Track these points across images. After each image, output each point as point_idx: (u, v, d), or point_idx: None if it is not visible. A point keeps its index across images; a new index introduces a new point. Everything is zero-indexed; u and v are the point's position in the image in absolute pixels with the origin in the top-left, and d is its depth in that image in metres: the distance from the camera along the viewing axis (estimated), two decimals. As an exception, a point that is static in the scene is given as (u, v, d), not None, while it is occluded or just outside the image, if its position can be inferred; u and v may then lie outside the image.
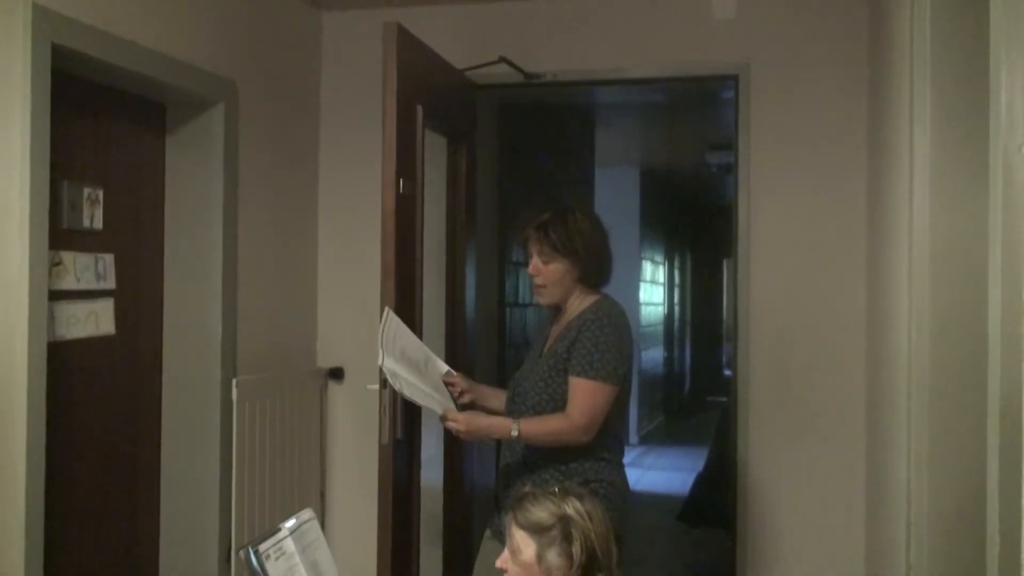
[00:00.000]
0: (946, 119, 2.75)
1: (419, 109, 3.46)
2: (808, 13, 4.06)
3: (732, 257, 4.26)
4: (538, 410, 2.91)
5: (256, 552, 2.22)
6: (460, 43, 4.16)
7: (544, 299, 3.04)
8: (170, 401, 3.65)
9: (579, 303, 2.98)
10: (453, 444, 3.92)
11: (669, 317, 13.07)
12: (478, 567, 3.05)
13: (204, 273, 3.63)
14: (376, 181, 3.32)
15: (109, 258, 3.34)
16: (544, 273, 2.97)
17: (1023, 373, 1.73)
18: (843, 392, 4.01)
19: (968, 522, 2.57)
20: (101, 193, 3.28)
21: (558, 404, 2.88)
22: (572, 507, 2.17)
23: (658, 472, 9.05)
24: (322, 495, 4.40)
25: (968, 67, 2.64)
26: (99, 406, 3.32)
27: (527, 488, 2.28)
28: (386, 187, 3.29)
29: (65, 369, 3.07)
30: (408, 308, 3.32)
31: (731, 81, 4.21)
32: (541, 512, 2.17)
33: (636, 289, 10.59)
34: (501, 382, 3.91)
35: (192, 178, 3.65)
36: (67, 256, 3.11)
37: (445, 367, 3.22)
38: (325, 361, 4.42)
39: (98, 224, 3.27)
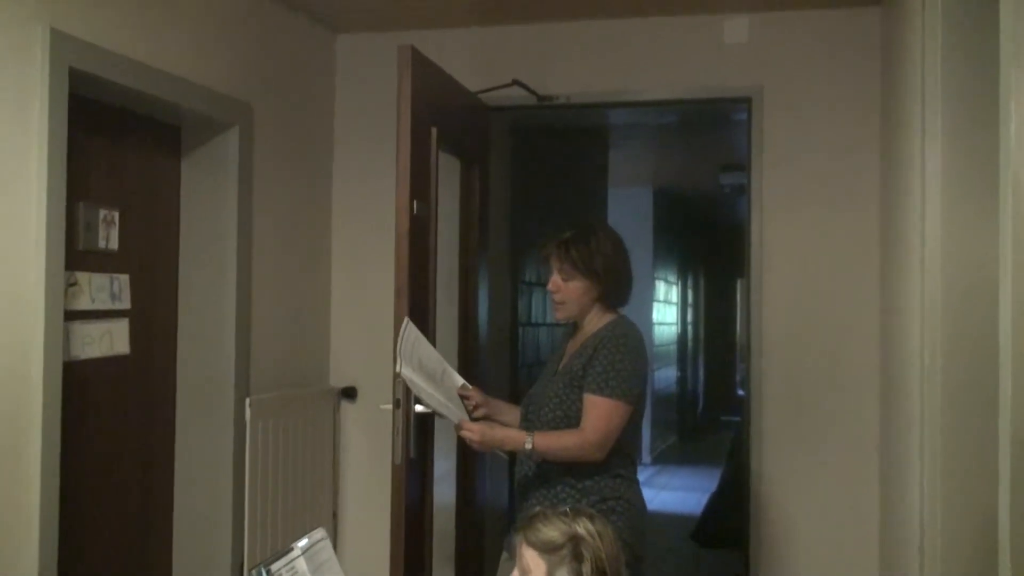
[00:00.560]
0: (958, 139, 2.76)
1: (433, 131, 3.47)
2: (820, 36, 4.08)
3: (745, 277, 4.26)
4: (552, 426, 2.92)
5: (268, 572, 2.22)
6: (473, 65, 4.19)
7: (562, 315, 3.05)
8: (184, 420, 3.67)
9: (596, 321, 2.99)
10: (466, 463, 3.93)
11: (682, 337, 13.04)
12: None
13: (218, 293, 3.65)
14: (390, 202, 3.34)
15: (124, 279, 3.36)
16: (563, 290, 2.99)
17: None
18: (856, 413, 4.00)
19: (980, 548, 2.57)
20: (117, 214, 3.31)
21: (572, 421, 2.88)
22: (583, 527, 2.17)
23: (671, 492, 9.01)
24: (335, 514, 4.40)
25: (980, 88, 2.65)
26: (113, 425, 3.34)
27: (538, 507, 2.28)
28: (400, 208, 3.30)
29: (80, 388, 3.09)
30: (421, 327, 3.33)
31: (744, 103, 4.23)
32: (552, 531, 2.17)
33: (649, 309, 10.57)
34: (514, 400, 3.92)
35: (207, 200, 3.68)
36: (83, 276, 3.14)
37: (461, 380, 3.22)
38: (338, 380, 4.43)
39: (114, 245, 3.30)
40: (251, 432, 3.67)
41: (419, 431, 3.34)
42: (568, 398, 2.91)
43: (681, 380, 12.72)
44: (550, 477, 2.92)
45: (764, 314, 4.12)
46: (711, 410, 13.67)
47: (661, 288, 11.59)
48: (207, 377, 3.66)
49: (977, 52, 2.65)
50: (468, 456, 3.89)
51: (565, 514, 2.20)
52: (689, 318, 13.57)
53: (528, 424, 3.01)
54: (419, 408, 3.22)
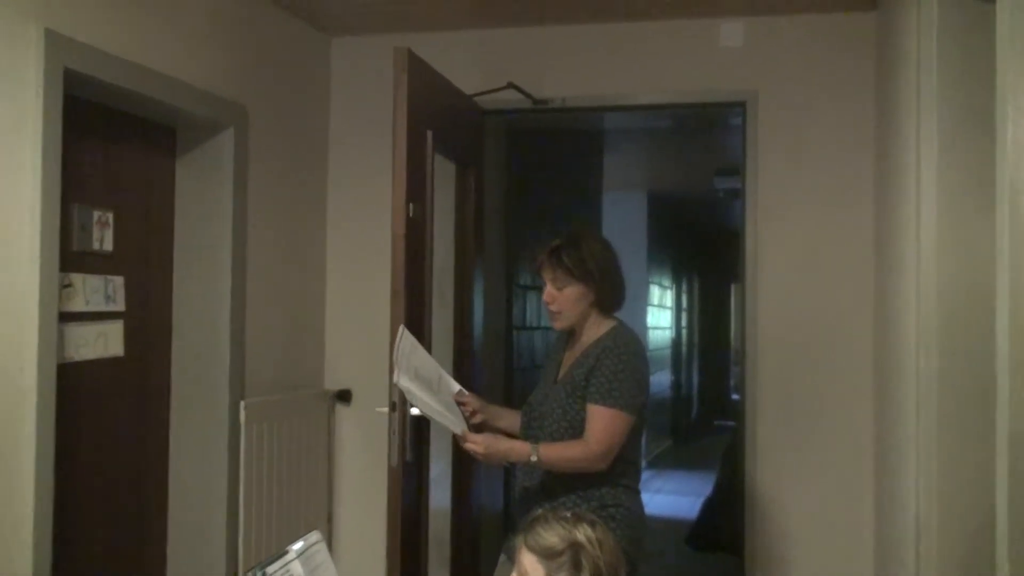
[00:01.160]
0: (953, 142, 2.77)
1: (429, 134, 3.47)
2: (815, 40, 4.09)
3: (740, 281, 4.26)
4: (556, 436, 2.91)
5: (264, 574, 2.21)
6: (469, 68, 4.19)
7: (559, 325, 3.04)
8: (178, 422, 3.66)
9: (595, 329, 2.99)
10: (462, 467, 3.92)
11: (677, 341, 13.04)
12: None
13: (213, 295, 3.65)
14: (385, 205, 3.34)
15: (119, 280, 3.35)
16: (559, 299, 2.98)
17: (1031, 398, 1.73)
18: (851, 416, 4.00)
19: (976, 550, 2.57)
20: (111, 215, 3.30)
21: (576, 431, 2.88)
22: (583, 533, 2.15)
23: (666, 496, 9.01)
24: (329, 517, 4.39)
25: (975, 91, 2.65)
26: (108, 427, 3.33)
27: (539, 511, 2.27)
28: (396, 211, 3.30)
29: (74, 390, 3.08)
30: (417, 330, 3.32)
31: (739, 107, 4.23)
32: (552, 537, 2.16)
33: (643, 313, 10.57)
34: (509, 404, 3.90)
35: (202, 201, 3.67)
36: (77, 278, 3.13)
37: (457, 386, 3.22)
38: (333, 383, 4.43)
39: (108, 246, 3.29)
40: (245, 435, 3.66)
41: (416, 434, 3.34)
42: (571, 408, 2.91)
43: (675, 384, 12.72)
44: (553, 486, 2.91)
45: (759, 318, 4.13)
46: (705, 414, 13.67)
47: (655, 292, 11.59)
48: (201, 379, 3.65)
49: (972, 55, 2.65)
50: (463, 459, 3.88)
51: (566, 519, 2.19)
52: (683, 322, 13.57)
53: (530, 434, 3.01)
54: (415, 412, 3.22)
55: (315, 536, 2.42)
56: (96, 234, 3.23)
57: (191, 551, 3.64)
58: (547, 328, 6.22)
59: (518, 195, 5.43)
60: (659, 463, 10.86)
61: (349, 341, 4.44)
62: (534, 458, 2.85)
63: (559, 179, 6.61)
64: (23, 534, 2.68)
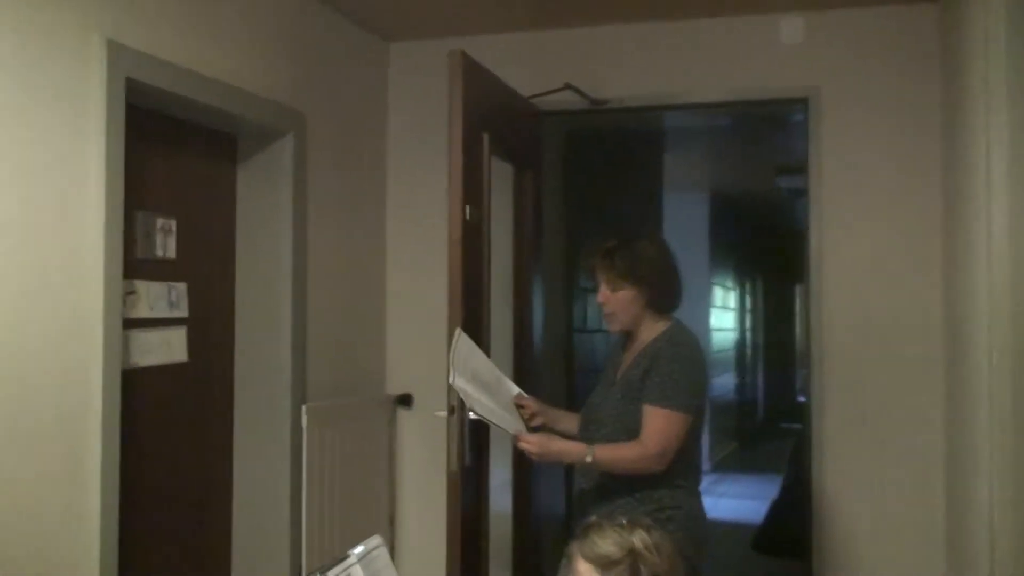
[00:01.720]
0: (1024, 138, 2.69)
1: (485, 137, 3.47)
2: (878, 36, 4.00)
3: (804, 282, 4.19)
4: (612, 438, 2.88)
5: (324, 578, 2.22)
6: (525, 70, 4.18)
7: (614, 326, 3.02)
8: (241, 427, 3.70)
9: (651, 330, 2.96)
10: (522, 471, 3.90)
11: (741, 343, 12.90)
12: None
13: (274, 300, 3.68)
14: (444, 208, 3.34)
15: (182, 287, 3.39)
16: (612, 301, 2.96)
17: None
18: (921, 418, 3.91)
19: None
20: (174, 223, 3.34)
21: (632, 432, 2.85)
22: (640, 540, 2.11)
23: (731, 500, 8.91)
24: (391, 521, 4.40)
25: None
26: (172, 432, 3.37)
27: (593, 518, 2.24)
28: (453, 214, 3.30)
29: (139, 396, 3.12)
30: (475, 334, 3.32)
31: (801, 104, 4.16)
32: (608, 545, 2.11)
33: (707, 315, 10.47)
34: (571, 408, 3.88)
35: (262, 207, 3.70)
36: (141, 285, 3.17)
37: (516, 389, 3.20)
38: (394, 388, 4.44)
39: (171, 253, 3.33)
40: (308, 439, 3.68)
41: (474, 439, 3.33)
42: (627, 409, 2.88)
43: (740, 387, 12.59)
44: (609, 488, 2.89)
45: (824, 319, 4.05)
46: (771, 417, 13.51)
47: (719, 294, 11.48)
48: (264, 384, 3.68)
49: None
50: (524, 464, 3.86)
51: (621, 526, 2.15)
52: (748, 324, 13.43)
53: (588, 434, 2.99)
54: (473, 416, 3.21)
55: (376, 540, 2.42)
56: (159, 241, 3.27)
57: (255, 553, 3.67)
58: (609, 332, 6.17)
59: (578, 197, 5.40)
60: (724, 466, 10.75)
61: (410, 345, 4.45)
62: (589, 459, 2.83)
63: (619, 180, 6.55)
64: (90, 537, 2.72)
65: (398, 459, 4.45)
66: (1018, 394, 2.69)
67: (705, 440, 10.36)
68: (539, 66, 4.26)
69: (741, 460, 11.31)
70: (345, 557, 2.31)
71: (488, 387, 3.07)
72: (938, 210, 3.90)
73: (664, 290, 2.97)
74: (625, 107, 4.30)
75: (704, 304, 10.38)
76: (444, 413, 3.26)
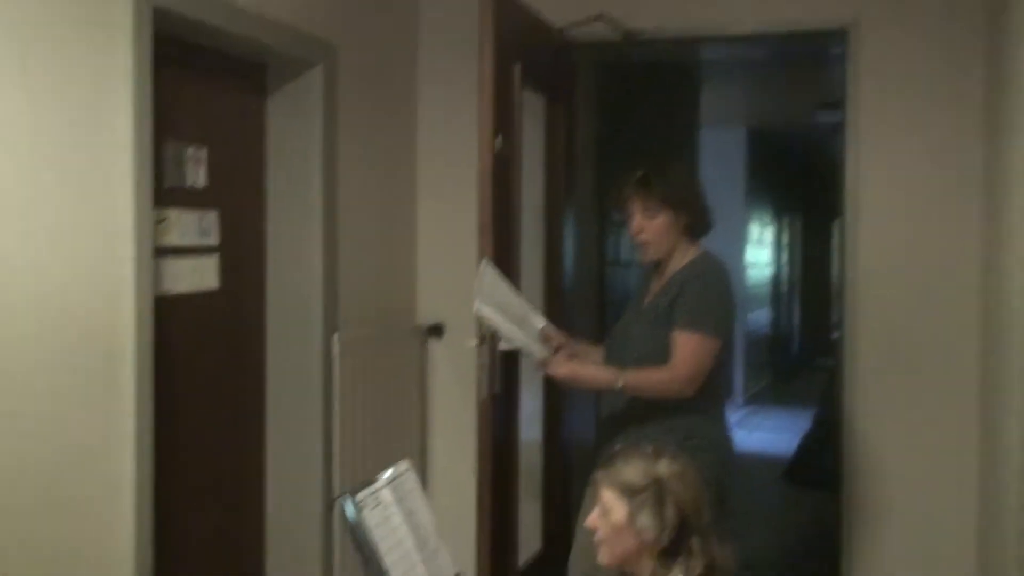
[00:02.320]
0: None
1: (516, 68, 3.43)
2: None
3: (841, 217, 4.14)
4: (640, 363, 2.89)
5: (353, 500, 2.26)
6: (557, 0, 4.10)
7: (650, 255, 3.01)
8: (273, 354, 3.73)
9: (681, 257, 2.97)
10: (553, 399, 3.93)
11: (776, 278, 12.84)
12: (582, 518, 3.05)
13: (305, 229, 3.68)
14: (475, 139, 3.32)
15: (212, 215, 3.41)
16: (648, 228, 2.95)
17: None
18: (955, 356, 3.88)
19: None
20: (204, 152, 3.35)
21: (660, 357, 2.85)
22: (665, 468, 2.12)
23: (764, 433, 8.97)
24: (423, 450, 4.45)
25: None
26: (204, 358, 3.41)
27: (619, 446, 2.25)
28: (483, 146, 3.28)
29: (171, 323, 3.15)
30: (506, 266, 3.32)
31: (840, 37, 4.07)
32: (633, 473, 2.13)
33: (742, 250, 10.42)
34: (600, 342, 3.89)
35: (292, 137, 3.69)
36: (172, 213, 3.19)
37: (543, 322, 3.21)
38: (425, 318, 4.46)
39: (202, 182, 3.34)
40: (340, 367, 3.72)
41: (504, 366, 3.35)
42: (655, 336, 2.88)
43: (775, 322, 12.56)
44: (636, 415, 2.90)
45: (860, 255, 4.01)
46: (806, 352, 13.48)
47: (755, 229, 11.39)
48: (295, 312, 3.70)
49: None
50: (554, 391, 3.89)
51: (647, 454, 2.16)
52: (783, 259, 13.35)
53: (615, 360, 2.99)
54: (503, 346, 3.22)
55: (404, 465, 2.46)
56: (190, 170, 3.28)
57: (288, 481, 3.73)
58: (642, 263, 6.13)
59: (611, 131, 5.34)
60: (758, 400, 10.78)
61: (441, 276, 4.45)
62: (620, 383, 2.83)
63: (654, 114, 6.47)
64: (124, 461, 2.77)
65: (429, 389, 4.48)
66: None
67: (739, 374, 10.38)
68: (572, -5, 4.19)
69: (775, 394, 11.33)
70: (374, 480, 2.35)
71: (515, 318, 3.08)
72: (979, 144, 3.82)
73: (700, 212, 2.97)
74: (658, 39, 4.23)
75: (740, 240, 10.32)
76: (475, 343, 3.27)
